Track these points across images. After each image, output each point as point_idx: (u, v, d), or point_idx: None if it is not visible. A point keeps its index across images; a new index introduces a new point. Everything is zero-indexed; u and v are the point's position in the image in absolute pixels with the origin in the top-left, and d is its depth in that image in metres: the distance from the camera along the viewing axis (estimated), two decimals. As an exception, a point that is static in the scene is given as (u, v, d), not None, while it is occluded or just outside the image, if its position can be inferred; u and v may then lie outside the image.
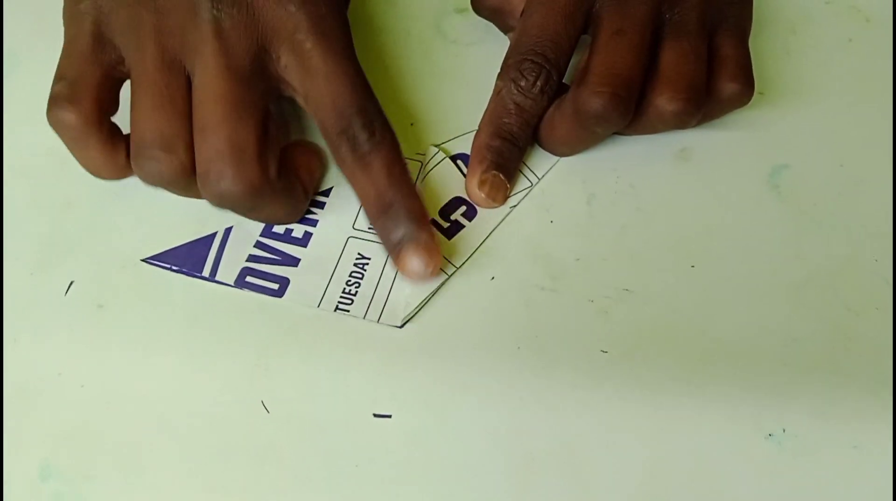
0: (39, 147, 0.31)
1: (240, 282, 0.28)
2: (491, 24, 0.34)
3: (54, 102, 0.26)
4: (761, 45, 0.33)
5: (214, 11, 0.25)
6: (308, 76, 0.26)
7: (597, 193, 0.30)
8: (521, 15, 0.30)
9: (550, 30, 0.28)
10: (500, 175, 0.29)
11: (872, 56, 0.34)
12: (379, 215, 0.27)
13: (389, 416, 0.26)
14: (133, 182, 0.30)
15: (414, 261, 0.26)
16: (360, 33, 0.34)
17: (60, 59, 0.26)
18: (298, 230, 0.29)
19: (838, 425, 0.26)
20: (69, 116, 0.25)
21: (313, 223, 0.29)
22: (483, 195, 0.29)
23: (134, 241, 0.29)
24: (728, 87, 0.28)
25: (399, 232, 0.27)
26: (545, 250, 0.29)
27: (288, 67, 0.26)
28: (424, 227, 0.27)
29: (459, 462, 0.26)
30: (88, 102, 0.26)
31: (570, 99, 0.28)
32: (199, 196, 0.27)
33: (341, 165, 0.27)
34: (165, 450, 0.26)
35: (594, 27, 0.29)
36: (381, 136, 0.26)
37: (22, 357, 0.27)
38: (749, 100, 0.29)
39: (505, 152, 0.29)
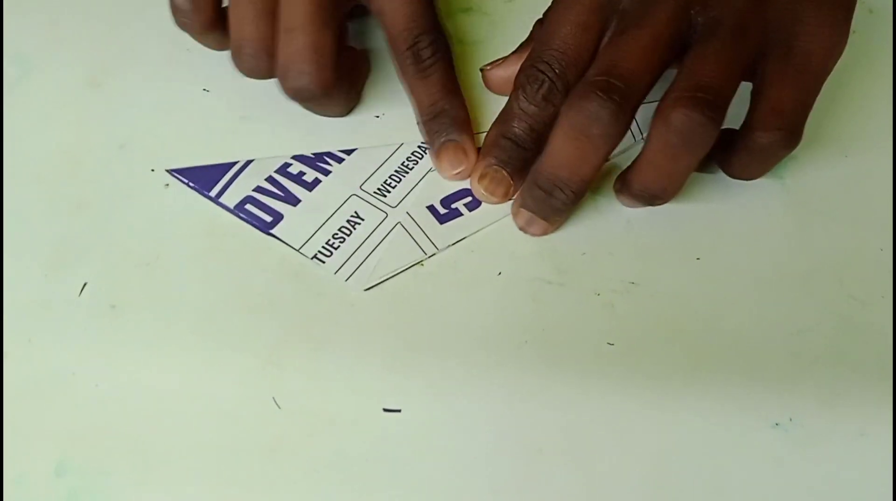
0: (52, 150, 0.31)
1: (239, 208, 0.30)
2: (496, 24, 0.34)
3: (178, 9, 0.29)
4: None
5: None
6: None
7: (602, 187, 0.31)
8: (540, 23, 0.31)
9: (559, 39, 0.28)
10: (502, 171, 0.29)
11: (876, 47, 0.34)
12: (429, 120, 0.30)
13: (399, 410, 0.26)
14: (144, 181, 0.30)
15: (452, 158, 0.30)
16: (368, 33, 0.34)
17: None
18: (310, 175, 0.30)
19: (845, 413, 0.26)
20: (194, 22, 0.29)
21: (325, 173, 0.31)
22: (482, 189, 0.30)
23: (146, 242, 0.29)
24: (753, 136, 0.27)
25: (444, 135, 0.30)
26: (552, 245, 0.29)
27: None
28: (468, 133, 0.31)
29: (468, 454, 0.26)
30: (210, 8, 0.29)
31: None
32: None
33: (403, 73, 0.31)
34: (179, 446, 0.26)
35: (610, 30, 0.28)
36: (441, 55, 0.30)
37: (37, 357, 0.27)
38: (786, 152, 0.27)
39: (508, 151, 0.29)
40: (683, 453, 0.26)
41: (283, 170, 0.30)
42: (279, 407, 0.26)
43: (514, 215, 0.30)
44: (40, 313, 0.28)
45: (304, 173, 0.30)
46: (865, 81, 0.33)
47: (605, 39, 0.28)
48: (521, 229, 0.30)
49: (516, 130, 0.29)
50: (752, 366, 0.27)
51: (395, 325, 0.28)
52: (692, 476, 0.25)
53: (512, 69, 0.30)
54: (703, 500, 0.25)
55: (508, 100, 0.29)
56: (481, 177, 0.30)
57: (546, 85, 0.28)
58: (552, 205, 0.28)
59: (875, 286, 0.29)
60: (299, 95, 0.29)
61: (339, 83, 0.29)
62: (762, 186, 0.31)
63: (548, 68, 0.28)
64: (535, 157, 0.29)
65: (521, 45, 0.32)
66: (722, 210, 0.30)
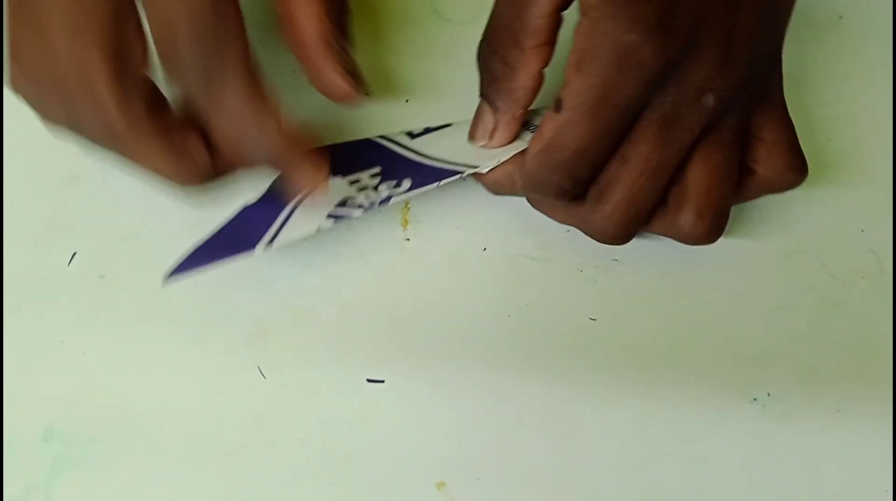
0: (41, 123, 0.31)
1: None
2: (486, 4, 0.34)
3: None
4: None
5: None
6: None
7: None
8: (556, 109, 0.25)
9: (590, 150, 0.24)
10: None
11: (863, 33, 0.34)
12: (248, 155, 0.24)
13: (382, 381, 0.27)
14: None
15: (302, 184, 0.25)
16: (358, 12, 0.35)
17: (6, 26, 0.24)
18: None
19: (822, 389, 0.27)
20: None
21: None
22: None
23: (135, 214, 0.30)
24: (780, 175, 0.26)
25: (277, 166, 0.24)
26: (535, 222, 0.30)
27: None
28: (298, 152, 0.24)
29: (450, 425, 0.26)
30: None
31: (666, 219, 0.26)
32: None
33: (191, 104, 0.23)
34: (164, 414, 0.26)
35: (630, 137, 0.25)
36: (228, 63, 0.22)
37: (26, 326, 0.28)
38: (804, 180, 0.27)
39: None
40: (662, 427, 0.26)
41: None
42: (264, 377, 0.27)
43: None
44: (30, 282, 0.28)
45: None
46: (852, 66, 0.33)
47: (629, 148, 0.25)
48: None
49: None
50: (732, 342, 0.27)
51: (380, 298, 0.28)
52: (671, 450, 0.26)
53: (508, 169, 0.27)
54: (682, 473, 0.26)
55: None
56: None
57: (568, 197, 0.26)
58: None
59: (855, 267, 0.29)
60: (95, 143, 0.23)
61: (133, 116, 0.22)
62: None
63: (573, 184, 0.25)
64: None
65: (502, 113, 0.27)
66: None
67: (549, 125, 0.24)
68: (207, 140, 0.24)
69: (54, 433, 0.26)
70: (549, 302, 0.28)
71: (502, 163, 0.27)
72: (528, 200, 0.28)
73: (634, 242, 0.29)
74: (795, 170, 0.26)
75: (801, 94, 0.33)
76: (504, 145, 0.27)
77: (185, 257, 0.26)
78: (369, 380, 0.27)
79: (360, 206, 0.27)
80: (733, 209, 0.30)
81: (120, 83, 0.22)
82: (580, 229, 0.27)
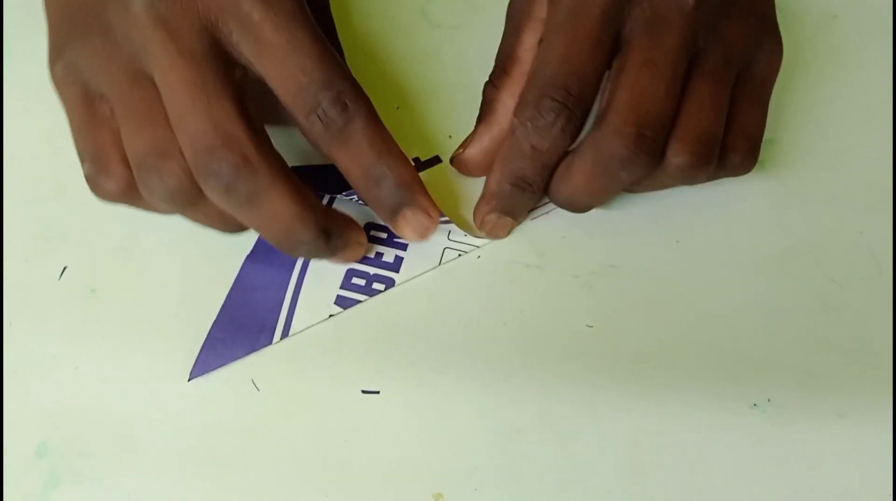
0: (32, 136, 0.31)
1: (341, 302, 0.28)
2: (476, 9, 0.34)
3: (91, 182, 0.25)
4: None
5: (145, 0, 0.23)
6: (262, 52, 0.24)
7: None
8: (540, 43, 0.27)
9: (574, 59, 0.25)
10: (506, 218, 0.28)
11: (857, 32, 0.34)
12: (370, 190, 0.26)
13: (378, 392, 0.27)
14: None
15: (415, 225, 0.26)
16: (347, 18, 0.34)
17: (73, 135, 0.26)
18: (389, 254, 0.29)
19: (823, 394, 0.26)
20: (109, 185, 0.25)
21: (403, 247, 0.29)
22: (484, 233, 0.29)
23: (125, 226, 0.29)
24: (728, 156, 0.26)
25: (393, 201, 0.26)
26: (531, 229, 0.29)
27: (240, 43, 0.24)
28: (418, 190, 0.26)
29: (447, 435, 0.26)
30: (117, 163, 0.24)
31: (589, 141, 0.25)
32: (217, 218, 0.26)
33: (317, 146, 0.25)
34: (158, 428, 0.26)
35: (620, 55, 0.26)
36: (354, 107, 0.24)
37: (17, 340, 0.28)
38: (746, 171, 0.27)
39: (514, 198, 0.27)
40: (661, 434, 0.26)
41: (347, 284, 0.28)
42: (258, 389, 0.27)
43: (482, 223, 0.28)
44: (21, 297, 0.28)
45: (382, 254, 0.29)
46: (847, 65, 0.33)
47: (621, 64, 0.25)
48: (488, 234, 0.28)
49: (526, 171, 0.26)
50: (731, 347, 0.27)
51: (374, 307, 0.28)
52: (670, 457, 0.26)
53: (484, 144, 0.28)
54: (681, 480, 0.25)
55: (511, 137, 0.26)
56: (482, 223, 0.28)
57: (564, 115, 0.25)
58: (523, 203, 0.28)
59: (853, 269, 0.29)
60: (221, 183, 0.23)
61: (269, 163, 0.23)
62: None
63: (565, 95, 0.25)
64: (542, 196, 0.28)
65: (483, 116, 0.29)
66: (701, 193, 0.30)
67: (535, 57, 0.26)
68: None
69: (48, 447, 0.26)
70: (545, 309, 0.28)
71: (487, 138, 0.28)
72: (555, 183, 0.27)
73: (630, 247, 0.29)
74: (750, 159, 0.27)
75: (796, 93, 0.32)
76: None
77: (207, 352, 0.27)
78: (364, 391, 0.27)
79: (363, 290, 0.28)
80: (730, 213, 0.30)
81: (259, 139, 0.24)
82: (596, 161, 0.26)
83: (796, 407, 0.26)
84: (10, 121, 0.32)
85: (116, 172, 0.24)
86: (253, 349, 0.27)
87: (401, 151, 0.26)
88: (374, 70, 0.33)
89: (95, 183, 0.25)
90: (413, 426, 0.26)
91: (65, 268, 0.29)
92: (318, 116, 0.24)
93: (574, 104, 0.25)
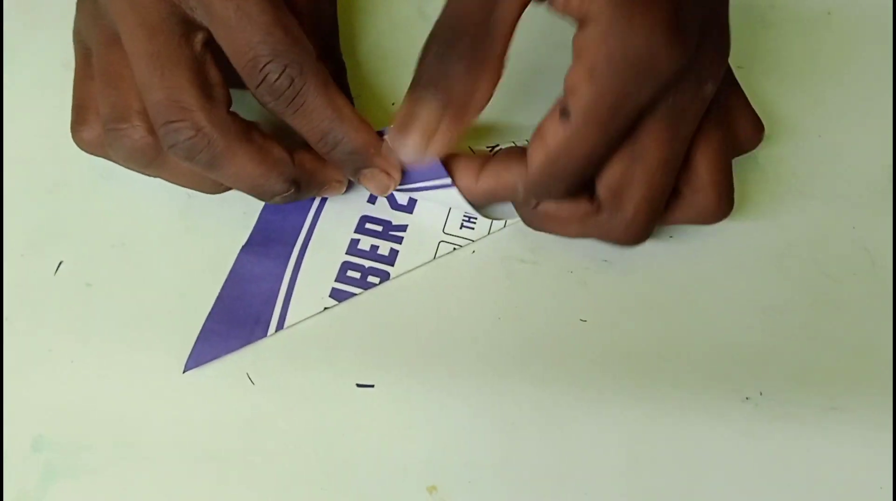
0: (28, 132, 0.31)
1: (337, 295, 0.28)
2: None
3: (72, 131, 0.27)
4: (741, 17, 0.34)
5: None
6: (214, 23, 0.24)
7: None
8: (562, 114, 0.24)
9: (598, 156, 0.25)
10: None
11: (851, 29, 0.34)
12: (329, 155, 0.26)
13: (372, 386, 0.27)
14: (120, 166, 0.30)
15: (376, 183, 0.27)
16: (344, 15, 0.35)
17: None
18: (384, 247, 0.29)
19: (816, 387, 0.26)
20: (83, 134, 0.27)
21: (399, 241, 0.29)
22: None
23: (121, 222, 0.29)
24: (751, 136, 0.27)
25: (352, 164, 0.27)
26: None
27: (195, 11, 0.25)
28: (374, 153, 0.26)
29: (442, 429, 0.26)
30: (92, 115, 0.26)
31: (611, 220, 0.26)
32: (187, 178, 0.27)
33: (274, 113, 0.26)
34: (154, 422, 0.26)
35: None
36: (301, 79, 0.25)
37: (13, 335, 0.28)
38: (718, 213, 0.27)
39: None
40: (655, 427, 0.26)
41: (354, 250, 0.29)
42: (253, 383, 0.27)
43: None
44: (17, 292, 0.28)
45: (378, 246, 0.29)
46: (841, 62, 0.33)
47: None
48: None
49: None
50: (724, 341, 0.27)
51: (369, 301, 0.28)
52: (663, 450, 0.26)
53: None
54: (675, 474, 0.25)
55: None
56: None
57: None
58: None
59: (847, 264, 0.29)
60: (184, 154, 0.25)
61: (226, 128, 0.25)
62: (736, 164, 0.31)
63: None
64: None
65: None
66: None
67: (555, 133, 0.24)
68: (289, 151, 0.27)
69: (44, 442, 0.26)
70: (540, 304, 0.28)
71: (497, 170, 0.27)
72: (528, 220, 0.28)
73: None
74: (759, 129, 0.27)
75: (791, 89, 0.32)
76: (437, 154, 0.26)
77: (201, 344, 0.27)
78: (359, 385, 0.27)
79: (358, 283, 0.28)
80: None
81: (212, 108, 0.25)
82: (600, 238, 0.27)
83: (788, 401, 0.26)
84: (9, 118, 0.32)
85: (92, 124, 0.26)
86: (248, 341, 0.27)
87: (354, 115, 0.26)
88: (369, 67, 0.33)
89: (74, 131, 0.27)
90: (407, 420, 0.26)
91: (60, 263, 0.29)
92: (268, 88, 0.24)
93: (582, 187, 0.26)
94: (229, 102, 0.26)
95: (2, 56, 0.33)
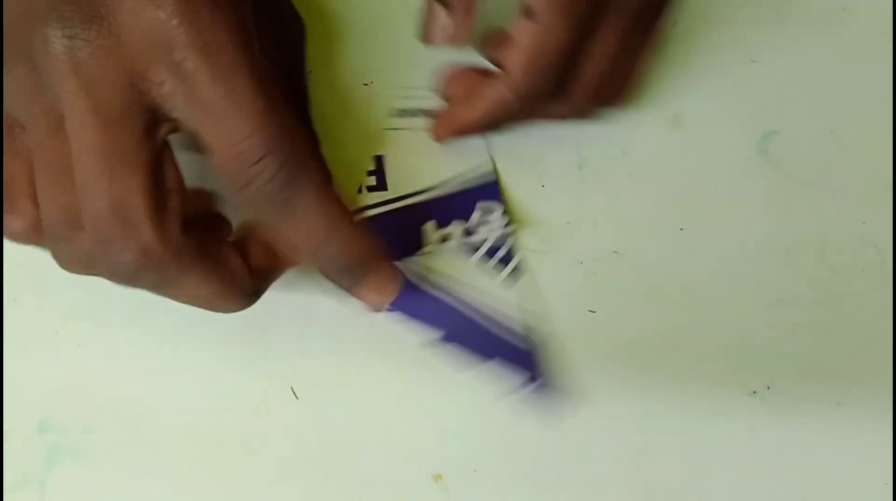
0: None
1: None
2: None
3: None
4: (754, 11, 0.33)
5: (66, 40, 0.20)
6: (196, 107, 0.20)
7: (588, 158, 0.31)
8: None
9: (569, 46, 0.25)
10: None
11: (865, 25, 0.34)
12: (323, 266, 0.23)
13: (378, 373, 0.27)
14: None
15: (372, 298, 0.24)
16: (351, 5, 0.34)
17: None
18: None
19: (822, 382, 0.27)
20: (14, 224, 0.23)
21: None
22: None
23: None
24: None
25: (350, 278, 0.23)
26: (536, 214, 0.29)
27: (173, 95, 0.20)
28: (374, 265, 0.23)
29: (447, 417, 0.26)
30: (27, 203, 0.22)
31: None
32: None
33: (258, 218, 0.22)
34: (159, 405, 0.26)
35: None
36: (298, 180, 0.21)
37: (21, 317, 0.28)
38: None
39: None
40: (661, 419, 0.26)
41: None
42: (260, 369, 0.27)
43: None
44: (26, 274, 0.28)
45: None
46: (855, 58, 0.33)
47: None
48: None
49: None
50: (731, 335, 0.27)
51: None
52: (669, 443, 0.26)
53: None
54: (680, 466, 0.25)
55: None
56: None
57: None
58: None
59: (856, 260, 0.29)
60: (122, 276, 0.21)
61: (174, 246, 0.21)
62: (746, 158, 0.31)
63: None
64: None
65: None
66: (706, 182, 0.30)
67: (527, 34, 0.24)
68: (245, 258, 0.23)
69: (50, 424, 0.26)
70: (549, 294, 0.28)
71: (484, 93, 0.26)
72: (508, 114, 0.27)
73: (634, 235, 0.29)
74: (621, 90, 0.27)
75: (801, 84, 0.32)
76: (462, 44, 0.26)
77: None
78: (365, 372, 0.27)
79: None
80: (733, 202, 0.30)
81: (164, 223, 0.21)
82: (577, 117, 0.28)
83: (795, 395, 0.26)
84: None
85: (24, 212, 0.22)
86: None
87: (351, 224, 0.22)
88: (380, 55, 0.33)
89: (2, 218, 0.22)
90: (413, 408, 0.26)
91: (69, 245, 0.29)
92: (258, 188, 0.21)
93: (560, 82, 0.26)
94: (185, 209, 0.21)
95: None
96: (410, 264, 0.28)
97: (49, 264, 0.28)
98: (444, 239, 0.28)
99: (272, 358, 0.27)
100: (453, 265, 0.28)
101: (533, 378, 0.26)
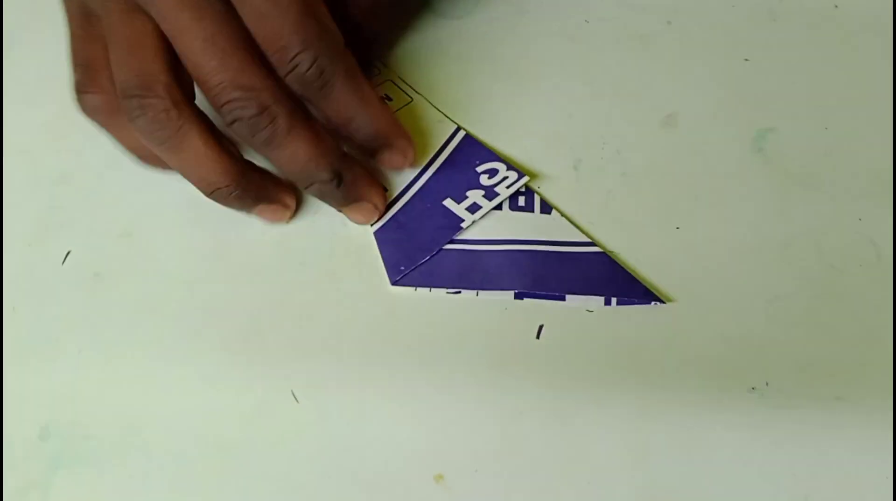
0: (35, 122, 0.31)
1: None
2: (479, 0, 0.34)
3: (77, 90, 0.26)
4: (748, 9, 0.34)
5: None
6: (244, 8, 0.24)
7: (583, 158, 0.31)
8: None
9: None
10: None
11: (858, 22, 0.34)
12: (351, 136, 0.27)
13: (379, 374, 0.27)
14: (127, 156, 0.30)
15: (397, 159, 0.28)
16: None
17: (70, 44, 0.27)
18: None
19: (821, 378, 0.26)
20: (93, 99, 0.26)
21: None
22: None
23: (129, 212, 0.30)
24: None
25: (377, 143, 0.28)
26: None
27: None
28: (397, 131, 0.28)
29: (448, 418, 0.26)
30: (105, 79, 0.26)
31: None
32: (192, 162, 0.26)
33: (302, 98, 0.26)
34: (160, 411, 0.26)
35: None
36: (332, 68, 0.25)
37: (21, 325, 0.28)
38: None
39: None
40: (660, 417, 0.26)
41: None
42: (260, 373, 0.27)
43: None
44: (24, 281, 0.28)
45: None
46: (847, 55, 0.33)
47: None
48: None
49: None
50: (730, 332, 0.27)
51: (377, 292, 0.28)
52: (668, 440, 0.26)
53: None
54: (680, 463, 0.25)
55: None
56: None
57: None
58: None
59: (853, 256, 0.29)
60: (248, 131, 0.25)
61: (299, 108, 0.26)
62: (741, 156, 0.31)
63: None
64: None
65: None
66: (702, 179, 0.30)
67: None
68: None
69: (51, 431, 0.26)
70: (546, 294, 0.28)
71: None
72: None
73: (631, 233, 0.29)
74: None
75: (797, 81, 0.32)
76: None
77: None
78: (366, 373, 0.27)
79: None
80: (730, 199, 0.30)
81: (276, 87, 0.25)
82: None
83: (794, 391, 0.26)
84: (16, 109, 0.32)
85: (104, 89, 0.26)
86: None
87: (377, 101, 0.27)
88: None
89: (81, 94, 0.26)
90: (415, 409, 0.26)
91: (68, 253, 0.29)
92: (296, 77, 0.25)
93: None
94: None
95: (2, 46, 0.33)
96: (463, 244, 0.29)
97: (46, 271, 0.28)
98: (472, 209, 0.29)
99: (272, 362, 0.27)
100: (496, 225, 0.29)
101: (625, 289, 0.27)
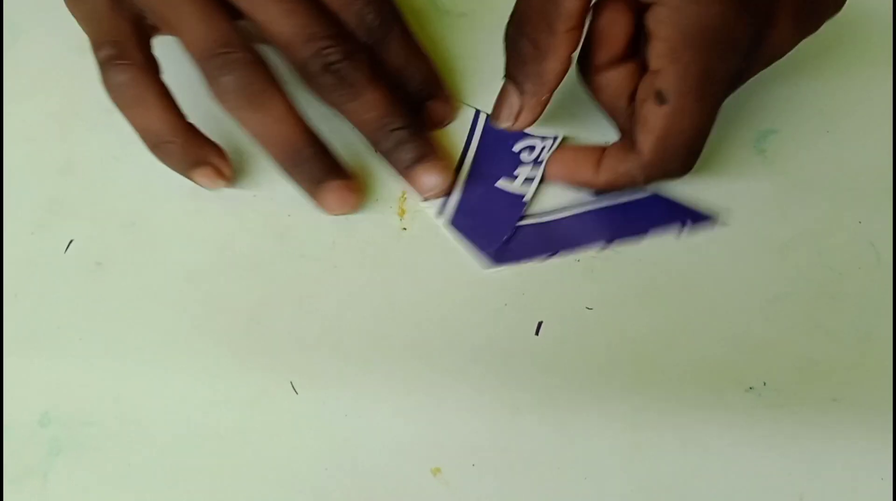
0: (40, 112, 0.32)
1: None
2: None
3: (106, 65, 0.26)
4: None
5: None
6: None
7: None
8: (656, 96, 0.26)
9: (705, 127, 0.26)
10: None
11: (862, 24, 0.34)
12: (410, 80, 0.30)
13: (378, 368, 0.27)
14: (131, 145, 0.30)
15: (440, 107, 0.31)
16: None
17: (87, 29, 0.27)
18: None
19: (818, 378, 0.27)
20: (125, 74, 0.26)
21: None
22: None
23: (132, 202, 0.30)
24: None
25: (427, 90, 0.30)
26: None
27: None
28: (443, 85, 0.31)
29: (446, 412, 0.26)
30: (138, 54, 0.26)
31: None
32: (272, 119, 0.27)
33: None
34: (159, 400, 0.26)
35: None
36: (392, 18, 0.29)
37: (22, 312, 0.28)
38: None
39: None
40: (658, 415, 0.26)
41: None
42: (260, 364, 0.27)
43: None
44: (27, 269, 0.29)
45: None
46: (850, 58, 0.33)
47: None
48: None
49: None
50: (728, 332, 0.27)
51: (376, 287, 0.28)
52: (666, 439, 0.26)
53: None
54: (677, 462, 0.26)
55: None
56: None
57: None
58: None
59: (853, 258, 0.29)
60: (338, 76, 0.27)
61: (372, 66, 0.28)
62: (743, 158, 0.31)
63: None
64: None
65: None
66: (703, 181, 0.30)
67: (657, 117, 0.25)
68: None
69: (51, 417, 0.26)
70: (546, 292, 0.28)
71: (612, 164, 0.28)
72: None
73: (631, 231, 0.29)
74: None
75: (798, 83, 0.33)
76: (527, 127, 0.29)
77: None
78: (365, 366, 0.27)
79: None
80: (731, 200, 0.30)
81: (351, 43, 0.27)
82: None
83: (791, 392, 0.26)
84: (21, 98, 0.32)
85: (136, 58, 0.26)
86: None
87: (426, 54, 0.31)
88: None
89: (113, 65, 0.26)
90: (412, 403, 0.26)
91: (71, 241, 0.29)
92: (362, 23, 0.28)
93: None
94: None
95: (2, 39, 0.33)
96: (536, 218, 0.29)
97: (48, 259, 0.28)
98: (527, 183, 0.30)
99: (272, 353, 0.27)
100: (556, 195, 0.30)
101: (687, 219, 0.29)
